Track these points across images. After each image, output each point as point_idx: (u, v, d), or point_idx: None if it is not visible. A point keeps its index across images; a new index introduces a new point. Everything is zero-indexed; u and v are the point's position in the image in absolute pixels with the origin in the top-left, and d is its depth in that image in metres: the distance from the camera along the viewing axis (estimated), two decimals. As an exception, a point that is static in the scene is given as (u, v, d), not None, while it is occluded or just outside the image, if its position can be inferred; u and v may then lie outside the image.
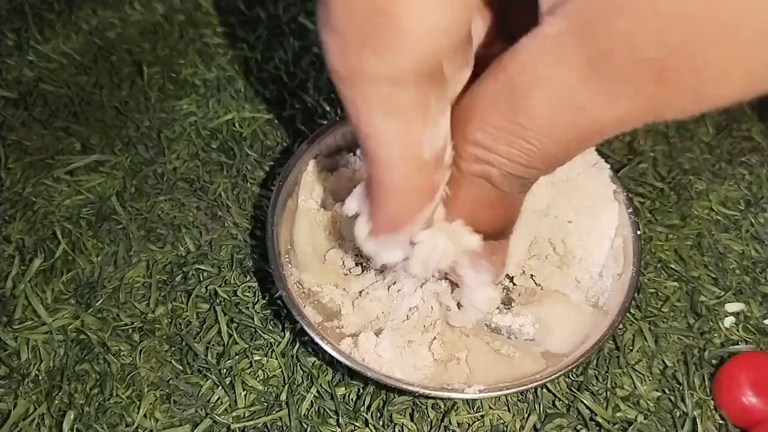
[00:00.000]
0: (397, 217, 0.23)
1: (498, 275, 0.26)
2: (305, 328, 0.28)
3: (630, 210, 0.31)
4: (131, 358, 0.33)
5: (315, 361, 0.32)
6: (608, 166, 0.33)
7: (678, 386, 0.32)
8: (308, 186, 0.33)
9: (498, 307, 0.31)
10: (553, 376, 0.28)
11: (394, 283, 0.31)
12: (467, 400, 0.31)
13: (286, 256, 0.31)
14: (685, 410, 0.32)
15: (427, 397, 0.31)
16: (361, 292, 0.31)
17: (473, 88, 0.20)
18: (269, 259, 0.30)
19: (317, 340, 0.28)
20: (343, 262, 0.31)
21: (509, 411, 0.32)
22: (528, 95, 0.18)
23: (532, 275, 0.31)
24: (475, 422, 0.31)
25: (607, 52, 0.16)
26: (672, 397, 0.32)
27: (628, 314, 0.34)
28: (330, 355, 0.28)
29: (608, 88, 0.17)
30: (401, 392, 0.31)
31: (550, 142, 0.19)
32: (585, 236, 0.31)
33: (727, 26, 0.15)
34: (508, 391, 0.27)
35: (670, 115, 0.17)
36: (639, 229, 0.31)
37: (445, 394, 0.27)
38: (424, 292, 0.30)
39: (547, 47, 0.17)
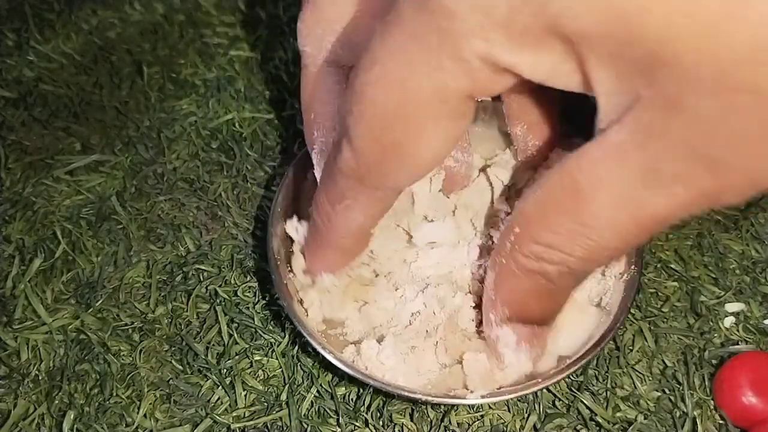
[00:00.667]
0: (330, 266, 0.28)
1: (538, 358, 0.27)
2: (307, 338, 0.28)
3: None
4: (131, 358, 0.33)
5: (315, 361, 0.32)
6: None
7: (678, 386, 0.32)
8: (309, 192, 0.33)
9: None
10: (557, 378, 0.28)
11: (396, 289, 0.31)
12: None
13: (288, 264, 0.31)
14: (685, 410, 0.32)
15: (431, 404, 0.31)
16: (366, 299, 0.31)
17: (536, 191, 0.22)
18: (270, 269, 0.30)
19: (319, 349, 0.28)
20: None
21: (509, 411, 0.32)
22: (592, 197, 0.20)
23: None
24: (475, 422, 0.31)
25: (664, 154, 0.18)
26: (672, 397, 0.32)
27: (628, 314, 0.34)
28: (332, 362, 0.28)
29: (666, 186, 0.18)
30: (405, 399, 0.31)
31: (611, 237, 0.20)
32: None
33: None
34: (510, 396, 0.27)
35: (727, 202, 0.19)
36: None
37: (449, 401, 0.28)
38: (426, 296, 0.30)
39: (610, 153, 0.19)
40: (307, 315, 0.30)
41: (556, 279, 0.23)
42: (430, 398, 0.27)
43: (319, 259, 0.28)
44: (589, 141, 0.20)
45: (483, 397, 0.27)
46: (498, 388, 0.28)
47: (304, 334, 0.28)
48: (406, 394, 0.27)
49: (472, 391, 0.27)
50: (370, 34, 0.20)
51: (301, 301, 0.30)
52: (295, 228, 0.30)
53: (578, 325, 0.30)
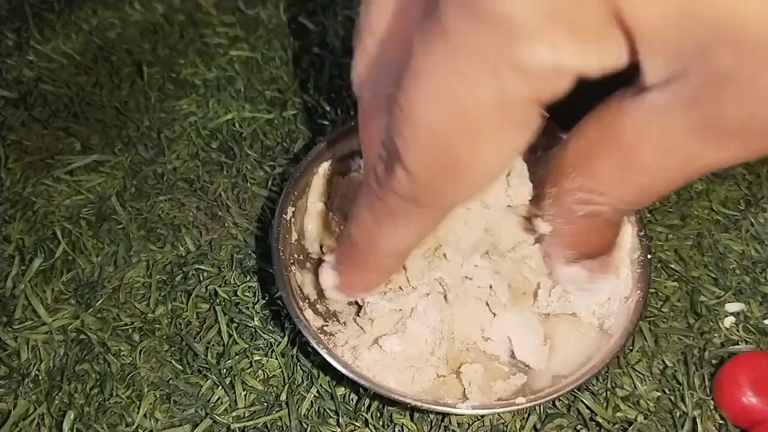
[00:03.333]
0: (368, 285, 0.28)
1: (613, 284, 0.29)
2: (303, 332, 0.28)
3: (642, 233, 0.31)
4: (131, 358, 0.33)
5: (315, 361, 0.32)
6: None
7: (678, 386, 0.32)
8: (318, 189, 0.33)
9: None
10: (547, 398, 0.28)
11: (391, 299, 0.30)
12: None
13: (291, 258, 0.31)
14: (685, 410, 0.32)
15: (423, 410, 0.31)
16: (364, 301, 0.30)
17: (578, 140, 0.22)
18: (272, 260, 0.30)
19: (314, 344, 0.28)
20: None
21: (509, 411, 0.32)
22: (638, 149, 0.20)
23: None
24: (474, 422, 0.31)
25: (716, 120, 0.18)
26: (672, 397, 0.32)
27: (628, 340, 0.34)
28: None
29: (718, 143, 0.18)
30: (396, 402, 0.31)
31: (659, 182, 0.21)
32: None
33: None
34: (500, 410, 0.28)
35: None
36: (650, 253, 0.31)
37: (439, 408, 0.27)
38: (428, 305, 0.30)
39: (656, 113, 0.19)
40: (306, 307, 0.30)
41: (610, 216, 0.23)
42: (422, 404, 0.27)
43: (356, 278, 0.27)
44: (626, 95, 0.19)
45: (474, 408, 0.27)
46: (495, 400, 0.28)
47: (301, 328, 0.28)
48: (399, 398, 0.27)
49: (463, 402, 0.28)
50: None
51: (302, 295, 0.30)
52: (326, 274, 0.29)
53: (577, 345, 0.30)
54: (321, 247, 0.33)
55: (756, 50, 0.16)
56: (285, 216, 0.31)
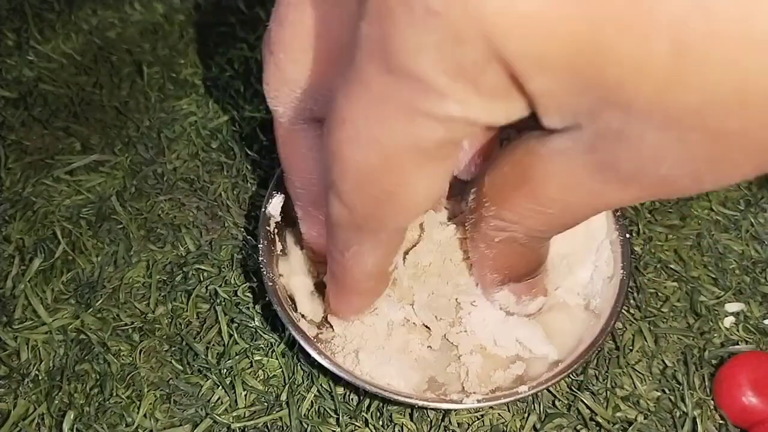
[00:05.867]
0: (357, 308, 0.28)
1: (541, 304, 0.29)
2: (302, 343, 0.28)
3: (618, 213, 0.32)
4: (131, 358, 0.33)
5: (315, 362, 0.32)
6: None
7: (678, 386, 0.32)
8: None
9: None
10: (550, 382, 0.28)
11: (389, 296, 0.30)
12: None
13: (279, 261, 0.31)
14: (685, 410, 0.32)
15: (427, 408, 0.31)
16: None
17: (492, 173, 0.23)
18: (261, 271, 0.30)
19: (314, 355, 0.28)
20: None
21: (509, 411, 0.32)
22: (544, 185, 0.21)
23: None
24: (474, 422, 0.31)
25: (612, 166, 0.19)
26: (672, 397, 0.32)
27: (627, 314, 0.34)
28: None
29: (617, 186, 0.19)
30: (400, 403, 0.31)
31: (566, 215, 0.22)
32: (572, 239, 0.31)
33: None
34: (505, 400, 0.28)
35: (675, 195, 0.21)
36: (627, 232, 0.31)
37: (445, 406, 0.28)
38: (419, 310, 0.30)
39: (555, 155, 0.20)
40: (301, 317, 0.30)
41: (527, 242, 0.24)
42: (427, 403, 0.27)
43: (343, 304, 0.28)
44: (533, 135, 0.21)
45: (479, 401, 0.27)
46: (493, 390, 0.28)
47: (299, 339, 0.28)
48: (404, 399, 0.27)
49: (468, 394, 0.28)
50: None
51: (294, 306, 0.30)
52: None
53: (568, 329, 0.30)
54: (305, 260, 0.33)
55: (643, 115, 0.17)
56: (269, 227, 0.31)
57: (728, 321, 0.35)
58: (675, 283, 0.36)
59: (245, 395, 0.32)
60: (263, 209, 0.32)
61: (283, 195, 0.32)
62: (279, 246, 0.32)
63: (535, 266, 0.27)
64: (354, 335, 0.29)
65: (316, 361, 0.28)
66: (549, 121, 0.19)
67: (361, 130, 0.19)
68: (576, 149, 0.19)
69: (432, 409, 0.31)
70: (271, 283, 0.30)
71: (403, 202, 0.21)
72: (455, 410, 0.31)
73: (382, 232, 0.23)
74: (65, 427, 0.30)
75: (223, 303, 0.34)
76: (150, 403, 0.31)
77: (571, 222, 0.23)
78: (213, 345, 0.33)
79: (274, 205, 0.32)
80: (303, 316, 0.30)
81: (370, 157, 0.20)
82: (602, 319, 0.29)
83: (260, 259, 0.30)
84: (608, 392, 0.32)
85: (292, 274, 0.31)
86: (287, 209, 0.32)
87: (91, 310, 0.34)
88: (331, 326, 0.30)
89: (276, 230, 0.32)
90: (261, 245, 0.31)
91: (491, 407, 0.32)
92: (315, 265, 0.32)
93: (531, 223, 0.23)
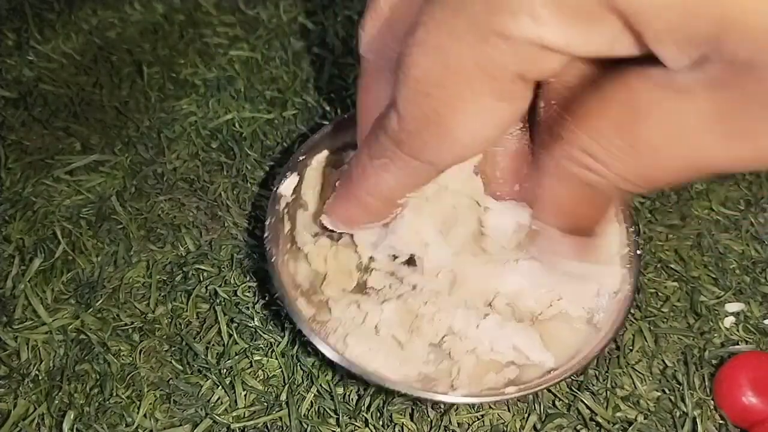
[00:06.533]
0: (350, 220, 0.27)
1: (585, 269, 0.27)
2: (300, 327, 0.28)
3: (632, 228, 0.31)
4: (131, 358, 0.33)
5: (315, 361, 0.32)
6: None
7: (678, 386, 0.32)
8: (312, 181, 0.33)
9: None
10: (536, 389, 0.28)
11: (389, 286, 0.30)
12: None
13: (284, 248, 0.31)
14: (685, 410, 0.32)
15: (418, 399, 0.31)
16: (358, 292, 0.30)
17: (589, 93, 0.20)
18: (266, 257, 0.30)
19: (311, 338, 0.28)
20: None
21: (509, 411, 0.32)
22: (647, 119, 0.19)
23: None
24: (474, 422, 0.31)
25: (735, 107, 0.17)
26: (672, 397, 0.32)
27: (617, 334, 0.34)
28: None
29: (733, 138, 0.18)
30: (390, 392, 0.30)
31: (656, 168, 0.20)
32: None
33: None
34: (488, 399, 0.28)
35: None
36: (640, 249, 0.31)
37: (430, 395, 0.27)
38: (423, 294, 0.30)
39: (676, 89, 0.18)
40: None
41: (604, 188, 0.22)
42: (413, 392, 0.27)
43: (340, 207, 0.28)
44: (655, 65, 0.18)
45: (464, 396, 0.27)
46: (483, 390, 0.28)
47: (297, 323, 0.28)
48: (390, 386, 0.27)
49: (455, 389, 0.28)
50: None
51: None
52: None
53: (568, 339, 0.30)
54: (314, 236, 0.33)
55: (765, 36, 0.15)
56: (278, 207, 0.31)
57: (728, 321, 0.35)
58: (675, 283, 0.36)
59: (245, 395, 0.32)
60: (275, 189, 0.31)
61: (297, 176, 0.32)
62: (287, 226, 0.32)
63: (596, 223, 0.25)
64: (347, 320, 0.29)
65: (311, 343, 0.28)
66: (667, 56, 0.17)
67: (431, 36, 0.19)
68: (701, 88, 0.17)
69: (416, 398, 0.31)
70: (272, 258, 0.29)
71: (449, 129, 0.21)
72: (460, 405, 0.31)
73: (417, 160, 0.22)
74: (65, 427, 0.30)
75: (223, 303, 0.34)
76: (150, 403, 0.31)
77: (656, 181, 0.20)
78: (213, 345, 0.33)
79: (287, 186, 0.32)
80: (302, 292, 0.30)
81: (433, 66, 0.19)
82: (602, 333, 0.29)
83: (266, 234, 0.30)
84: (608, 392, 0.32)
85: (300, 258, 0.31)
86: (299, 191, 0.32)
87: (91, 310, 0.34)
88: (329, 309, 0.30)
89: (286, 210, 0.32)
90: (268, 221, 0.30)
91: (492, 406, 0.32)
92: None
93: (613, 164, 0.20)
